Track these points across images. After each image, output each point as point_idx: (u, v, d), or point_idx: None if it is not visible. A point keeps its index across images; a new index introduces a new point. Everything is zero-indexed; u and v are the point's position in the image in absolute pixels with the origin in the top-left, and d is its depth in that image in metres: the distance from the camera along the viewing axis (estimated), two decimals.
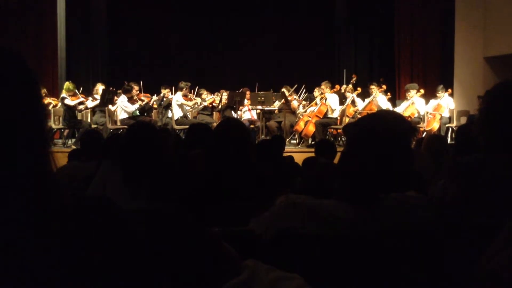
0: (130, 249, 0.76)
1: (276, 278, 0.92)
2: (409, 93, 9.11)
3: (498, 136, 1.47)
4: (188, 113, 9.38)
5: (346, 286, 1.23)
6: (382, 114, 1.57)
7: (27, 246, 0.65)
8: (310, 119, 8.68)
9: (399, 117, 1.49)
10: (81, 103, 9.02)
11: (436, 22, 11.26)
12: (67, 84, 8.93)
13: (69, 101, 8.57)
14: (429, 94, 9.69)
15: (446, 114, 9.25)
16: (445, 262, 1.28)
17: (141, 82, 9.82)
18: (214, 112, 9.87)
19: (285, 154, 4.71)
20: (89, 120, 9.34)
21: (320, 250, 1.26)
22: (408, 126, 1.41)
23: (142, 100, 9.32)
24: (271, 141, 4.16)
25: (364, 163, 1.32)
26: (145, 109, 9.30)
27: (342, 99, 9.40)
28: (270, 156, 3.66)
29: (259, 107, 8.96)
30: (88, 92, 9.92)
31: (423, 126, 8.98)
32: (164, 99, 9.64)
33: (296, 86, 9.64)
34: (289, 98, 9.36)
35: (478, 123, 1.57)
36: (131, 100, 8.95)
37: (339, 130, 8.88)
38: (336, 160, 4.22)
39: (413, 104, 8.98)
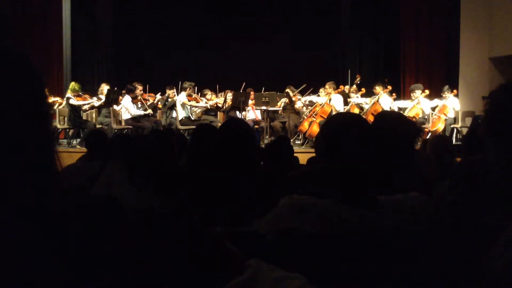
0: (133, 249, 0.77)
1: (279, 277, 0.92)
2: (414, 93, 9.10)
3: (503, 137, 1.47)
4: (192, 114, 9.40)
5: (348, 286, 1.23)
6: (384, 114, 1.57)
7: (30, 245, 0.66)
8: (314, 119, 8.67)
9: (401, 117, 1.50)
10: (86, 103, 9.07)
11: (441, 22, 11.22)
12: (72, 85, 8.97)
13: (74, 101, 8.61)
14: (434, 95, 9.66)
15: (451, 115, 9.23)
16: (446, 262, 1.28)
17: (147, 85, 9.85)
18: (218, 113, 9.88)
19: None
20: (94, 120, 9.36)
21: (322, 250, 1.26)
22: (409, 127, 1.41)
23: (147, 100, 9.34)
24: (278, 144, 4.09)
25: (364, 164, 1.33)
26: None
27: (347, 100, 9.40)
28: (280, 159, 3.62)
29: (264, 107, 8.97)
30: (93, 92, 9.95)
31: (428, 126, 8.96)
32: (169, 99, 9.66)
33: (304, 85, 9.61)
34: (294, 99, 9.37)
35: (483, 124, 1.56)
36: (135, 100, 8.97)
37: None
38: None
39: (418, 104, 8.96)
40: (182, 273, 0.83)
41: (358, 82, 10.13)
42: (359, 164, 1.33)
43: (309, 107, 9.32)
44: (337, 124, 1.43)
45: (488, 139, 1.54)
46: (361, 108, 9.42)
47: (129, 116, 8.70)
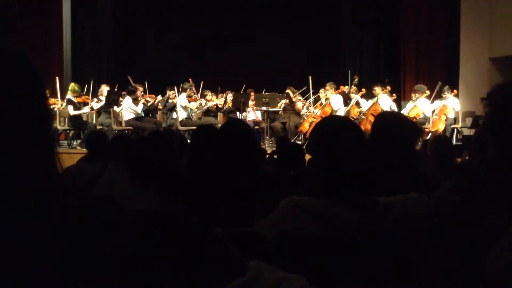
0: (134, 249, 0.77)
1: (279, 278, 0.92)
2: (416, 94, 9.06)
3: (503, 137, 1.47)
4: (192, 114, 9.40)
5: (348, 286, 1.23)
6: (384, 114, 1.57)
7: (30, 246, 0.66)
8: (314, 120, 8.67)
9: (402, 118, 1.49)
10: (86, 104, 9.07)
11: (442, 23, 11.22)
12: (72, 85, 8.98)
13: (72, 111, 8.62)
14: (435, 95, 9.65)
15: (451, 115, 9.21)
16: (446, 262, 1.28)
17: (146, 83, 9.85)
18: (219, 114, 9.88)
19: None
20: (94, 121, 9.37)
21: (322, 250, 1.26)
22: (409, 127, 1.41)
23: (147, 101, 9.34)
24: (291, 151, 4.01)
25: (362, 165, 1.33)
26: (150, 110, 9.33)
27: (347, 100, 9.39)
28: (293, 165, 3.59)
29: (264, 108, 8.97)
30: (93, 93, 9.95)
31: (429, 127, 8.95)
32: (169, 100, 9.66)
33: (305, 88, 9.60)
34: (294, 100, 9.37)
35: (484, 125, 1.57)
36: (136, 101, 8.98)
37: None
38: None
39: (417, 107, 8.94)
40: (182, 274, 0.83)
41: (357, 82, 10.12)
42: (358, 165, 1.33)
43: (309, 108, 9.31)
44: (333, 126, 1.43)
45: (489, 140, 1.54)
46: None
47: (130, 117, 8.70)
